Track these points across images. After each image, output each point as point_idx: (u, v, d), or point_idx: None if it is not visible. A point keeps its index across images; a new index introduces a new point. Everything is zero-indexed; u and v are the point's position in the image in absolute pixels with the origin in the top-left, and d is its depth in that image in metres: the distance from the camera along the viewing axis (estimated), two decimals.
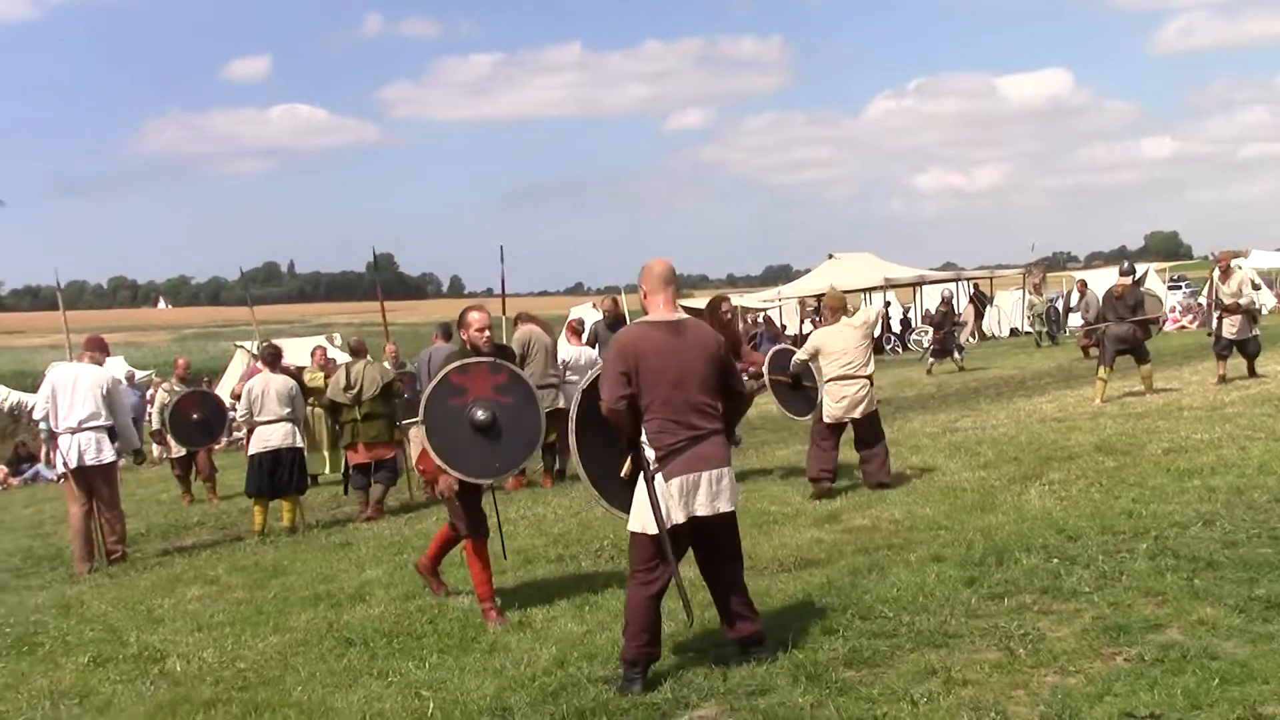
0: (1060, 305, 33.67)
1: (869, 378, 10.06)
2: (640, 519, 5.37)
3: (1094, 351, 23.77)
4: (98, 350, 10.75)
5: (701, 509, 5.35)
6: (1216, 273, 16.04)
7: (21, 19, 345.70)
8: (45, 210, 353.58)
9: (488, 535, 6.93)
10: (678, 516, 5.32)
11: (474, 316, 6.88)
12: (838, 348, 10.08)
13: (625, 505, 5.54)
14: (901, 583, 6.47)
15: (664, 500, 5.29)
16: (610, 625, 6.26)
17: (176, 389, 15.61)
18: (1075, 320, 27.87)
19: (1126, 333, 14.64)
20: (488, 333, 6.91)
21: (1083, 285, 27.21)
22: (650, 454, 5.35)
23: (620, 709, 4.98)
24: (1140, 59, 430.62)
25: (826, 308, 10.81)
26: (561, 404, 12.63)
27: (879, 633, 5.66)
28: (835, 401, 10.05)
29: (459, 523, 6.96)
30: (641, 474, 5.37)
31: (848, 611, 6.03)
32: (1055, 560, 6.68)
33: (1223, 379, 15.07)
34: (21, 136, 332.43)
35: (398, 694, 5.50)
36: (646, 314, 5.57)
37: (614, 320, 13.16)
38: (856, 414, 10.01)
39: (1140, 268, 34.90)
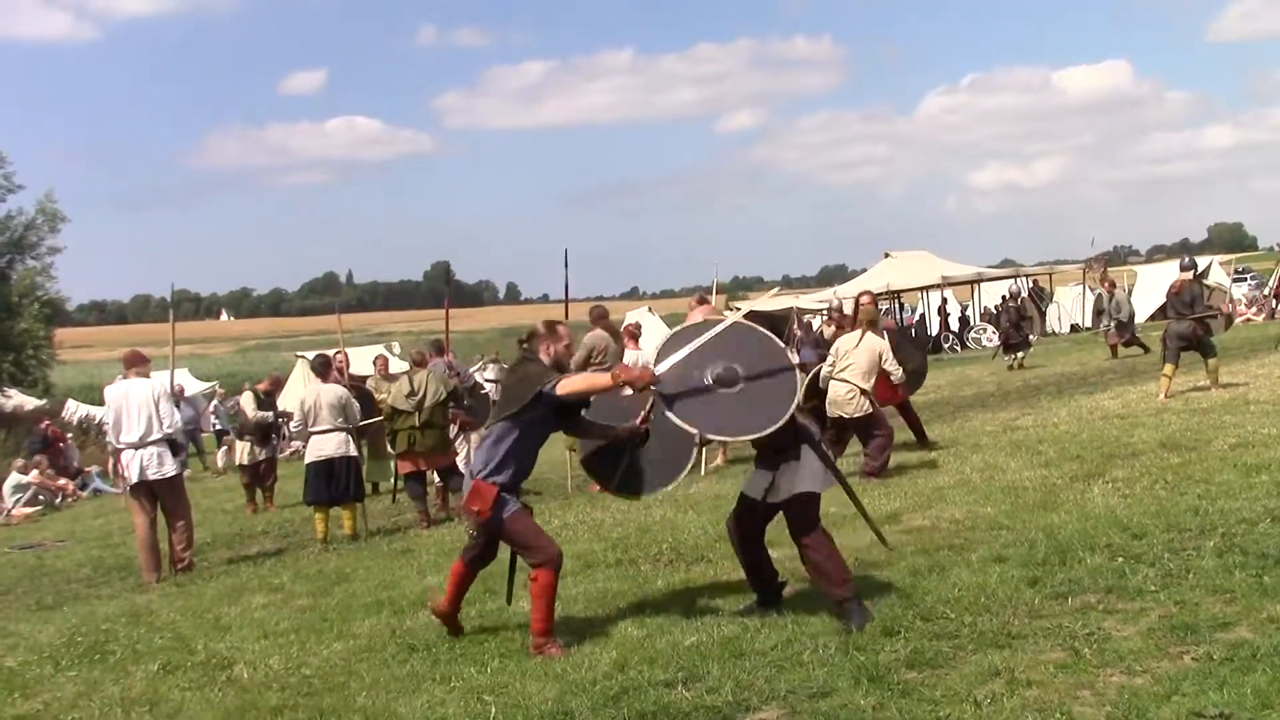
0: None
1: (861, 390, 11.00)
2: (821, 480, 6.21)
3: (1122, 350, 23.53)
4: (141, 364, 10.94)
5: None
6: None
7: (88, 39, 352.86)
8: (110, 225, 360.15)
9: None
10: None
11: (563, 330, 6.80)
12: (850, 352, 11.14)
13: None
14: (963, 583, 6.41)
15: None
16: (670, 629, 6.27)
17: (262, 397, 16.22)
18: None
19: (1186, 330, 14.39)
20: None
21: (1111, 285, 26.85)
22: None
23: (681, 711, 4.99)
24: (1200, 47, 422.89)
25: (862, 319, 11.74)
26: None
27: (941, 634, 5.62)
28: (830, 400, 11.19)
29: (540, 551, 6.32)
30: (809, 442, 6.26)
31: (909, 613, 5.99)
32: (1120, 559, 6.59)
33: None
34: (87, 153, 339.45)
35: (460, 699, 5.54)
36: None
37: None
38: (844, 412, 11.09)
39: (1204, 260, 34.44)
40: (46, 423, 25.91)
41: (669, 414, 6.29)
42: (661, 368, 6.32)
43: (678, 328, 6.79)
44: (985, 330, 35.27)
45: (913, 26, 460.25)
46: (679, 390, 6.27)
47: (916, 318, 41.88)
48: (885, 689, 4.95)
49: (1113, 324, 24.12)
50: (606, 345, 12.59)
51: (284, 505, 15.14)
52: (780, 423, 6.16)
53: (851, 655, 5.42)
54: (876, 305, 12.84)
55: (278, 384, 17.64)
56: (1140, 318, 30.75)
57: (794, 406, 6.25)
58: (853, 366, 11.04)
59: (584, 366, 12.69)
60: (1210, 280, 15.96)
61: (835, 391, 11.14)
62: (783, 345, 6.62)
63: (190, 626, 8.05)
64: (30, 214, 34.14)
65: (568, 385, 6.28)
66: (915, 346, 13.47)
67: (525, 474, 6.69)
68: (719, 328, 6.48)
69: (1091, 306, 30.48)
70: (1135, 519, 7.50)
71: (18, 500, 20.33)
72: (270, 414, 16.13)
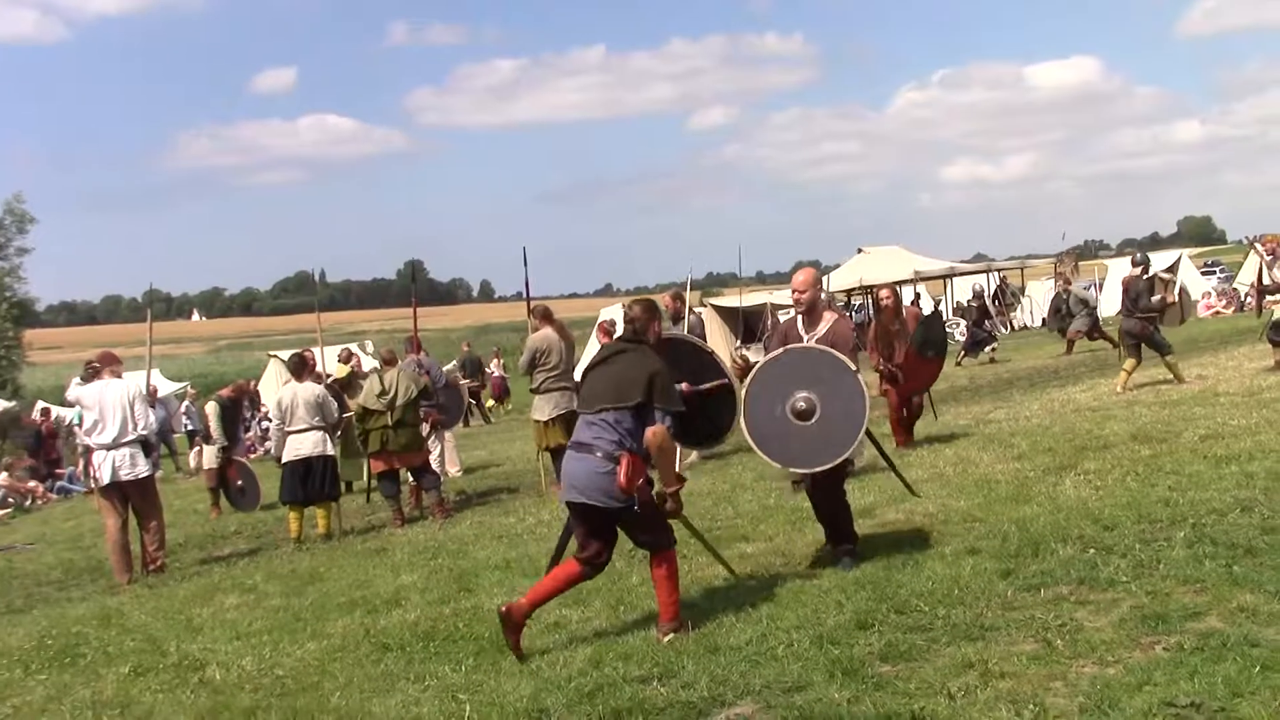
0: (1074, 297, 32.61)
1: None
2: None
3: (1079, 344, 23.66)
4: (114, 364, 10.85)
5: None
6: (1266, 258, 15.70)
7: (56, 38, 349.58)
8: (80, 226, 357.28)
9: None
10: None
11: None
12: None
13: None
14: (936, 576, 6.43)
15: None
16: (644, 625, 6.27)
17: (227, 405, 16.08)
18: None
19: (1133, 326, 14.55)
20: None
21: (1066, 282, 27.06)
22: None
23: (656, 707, 4.98)
24: (1169, 43, 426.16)
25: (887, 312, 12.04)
26: (575, 406, 12.63)
27: (914, 627, 5.64)
28: None
29: (667, 532, 6.25)
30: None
31: (883, 606, 6.00)
32: (1091, 550, 6.62)
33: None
34: (56, 153, 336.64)
35: (435, 698, 5.52)
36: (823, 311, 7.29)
37: (676, 316, 13.17)
38: None
39: (1174, 254, 34.73)
40: (41, 419, 25.75)
41: (752, 444, 6.99)
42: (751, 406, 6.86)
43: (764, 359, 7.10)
44: (958, 325, 35.42)
45: (884, 23, 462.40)
46: (762, 422, 6.83)
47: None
48: (859, 682, 4.96)
49: (1083, 318, 24.25)
50: (551, 345, 12.50)
51: (262, 506, 15.04)
52: (845, 456, 6.89)
53: (826, 649, 5.43)
54: (898, 297, 12.76)
55: (242, 391, 17.46)
56: (1110, 312, 30.99)
57: (859, 439, 6.97)
58: None
59: (529, 369, 12.63)
60: (1163, 274, 15.99)
61: None
62: (857, 378, 6.82)
63: (162, 628, 8.00)
64: None
65: (659, 448, 6.11)
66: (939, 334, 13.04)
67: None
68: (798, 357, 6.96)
69: (1050, 304, 30.62)
70: (1107, 511, 7.55)
71: None
72: (225, 442, 15.81)
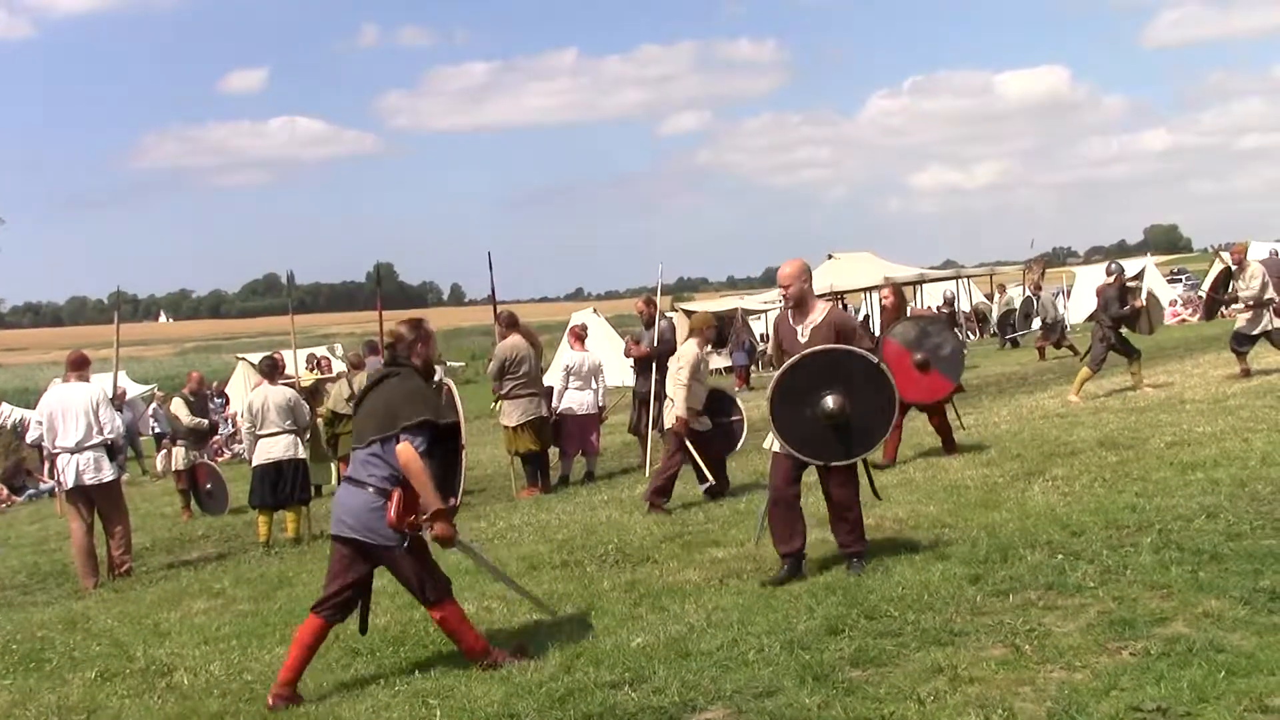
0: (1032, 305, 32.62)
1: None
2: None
3: (1050, 352, 23.89)
4: (83, 367, 10.73)
5: None
6: (1232, 267, 15.86)
7: (23, 37, 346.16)
8: (45, 226, 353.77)
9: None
10: None
11: (431, 329, 6.28)
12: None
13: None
14: (906, 581, 6.47)
15: None
16: (616, 630, 6.27)
17: (191, 400, 15.84)
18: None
19: (1102, 333, 14.70)
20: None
21: (1037, 288, 27.40)
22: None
23: (627, 713, 4.98)
24: (1135, 52, 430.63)
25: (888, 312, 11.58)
26: (544, 412, 12.65)
27: (885, 632, 5.67)
28: None
29: (435, 582, 5.94)
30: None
31: (853, 611, 6.03)
32: (1059, 556, 6.68)
33: (1246, 373, 14.75)
34: (22, 153, 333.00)
35: (405, 703, 5.50)
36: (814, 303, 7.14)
37: (649, 321, 13.13)
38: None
39: (1140, 261, 34.96)
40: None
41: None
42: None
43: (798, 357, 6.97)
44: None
45: (856, 29, 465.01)
46: (792, 426, 6.86)
47: (860, 318, 42.17)
48: (830, 687, 4.98)
49: (1049, 324, 24.47)
50: (520, 353, 12.51)
51: (232, 510, 14.93)
52: (867, 453, 7.05)
53: (796, 654, 5.44)
54: (900, 296, 11.98)
55: (201, 382, 17.31)
56: (1078, 318, 31.20)
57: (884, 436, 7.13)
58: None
59: (499, 376, 12.63)
60: (1131, 281, 16.10)
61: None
62: (881, 368, 6.92)
63: (129, 633, 7.92)
64: None
65: (405, 468, 5.66)
66: (953, 331, 12.35)
67: None
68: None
69: (1019, 310, 30.84)
70: (1075, 516, 7.61)
71: None
72: (204, 420, 15.87)
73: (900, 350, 10.65)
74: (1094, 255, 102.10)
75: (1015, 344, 29.95)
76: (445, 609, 5.92)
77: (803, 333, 7.02)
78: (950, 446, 11.28)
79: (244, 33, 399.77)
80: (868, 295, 40.50)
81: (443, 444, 5.92)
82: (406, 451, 5.64)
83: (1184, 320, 34.86)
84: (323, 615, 5.91)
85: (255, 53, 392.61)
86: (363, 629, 6.17)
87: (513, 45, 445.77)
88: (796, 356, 6.94)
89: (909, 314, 11.38)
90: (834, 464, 6.94)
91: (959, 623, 5.68)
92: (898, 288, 11.87)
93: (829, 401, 6.78)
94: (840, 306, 10.74)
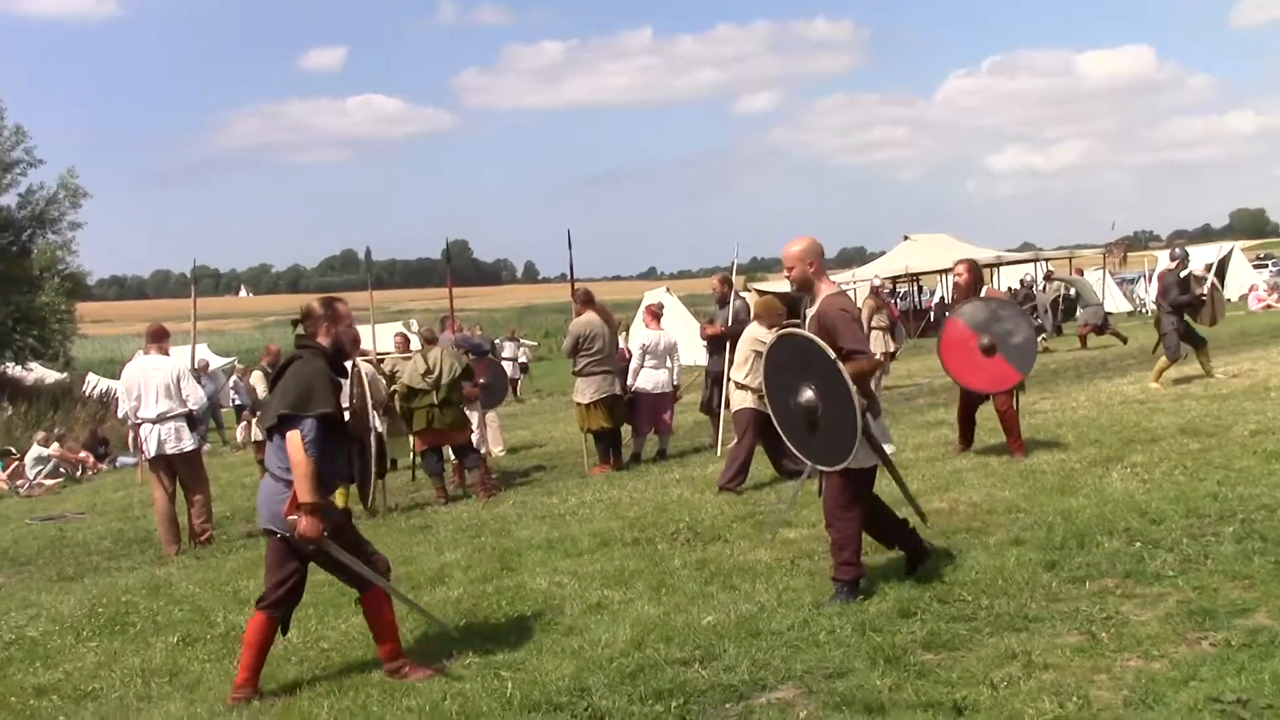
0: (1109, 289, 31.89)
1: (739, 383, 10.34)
2: (865, 455, 6.03)
3: (1092, 340, 23.44)
4: (162, 340, 10.98)
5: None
6: None
7: (108, 16, 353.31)
8: (131, 202, 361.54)
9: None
10: (888, 448, 6.35)
11: (343, 309, 5.99)
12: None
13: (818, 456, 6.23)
14: (980, 566, 6.41)
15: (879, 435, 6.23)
16: (687, 607, 6.29)
17: (269, 372, 16.04)
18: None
19: (1167, 322, 14.36)
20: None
21: (1079, 272, 26.91)
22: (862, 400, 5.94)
23: (697, 689, 5.00)
24: (1223, 33, 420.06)
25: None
26: (618, 390, 12.69)
27: (958, 616, 5.63)
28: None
29: (354, 573, 5.81)
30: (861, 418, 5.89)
31: (926, 595, 5.99)
32: (1138, 544, 6.58)
33: None
34: (108, 131, 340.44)
35: (477, 674, 5.57)
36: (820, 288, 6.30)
37: (723, 300, 13.16)
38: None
39: (1226, 246, 34.21)
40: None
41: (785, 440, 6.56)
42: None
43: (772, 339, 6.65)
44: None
45: (934, 9, 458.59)
46: (782, 412, 6.38)
47: (935, 300, 41.76)
48: (901, 670, 4.96)
49: (1093, 309, 24.10)
50: (594, 329, 12.55)
51: None
52: (848, 461, 6.00)
53: (868, 636, 5.43)
54: (976, 274, 10.64)
55: (278, 354, 17.51)
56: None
57: (855, 446, 5.92)
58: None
59: (573, 353, 12.70)
60: (1199, 271, 15.70)
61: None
62: (839, 370, 5.93)
63: (209, 599, 8.10)
64: (52, 189, 34.30)
65: (292, 461, 5.43)
66: (1027, 318, 11.12)
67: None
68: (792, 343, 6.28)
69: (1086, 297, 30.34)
70: (1154, 504, 7.48)
71: (39, 472, 20.48)
72: None
73: (965, 332, 10.03)
74: (1177, 239, 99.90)
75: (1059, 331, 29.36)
76: (371, 604, 5.76)
77: (809, 322, 6.34)
78: (1017, 443, 10.13)
79: (323, 11, 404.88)
80: (943, 277, 40.13)
81: (339, 432, 5.67)
82: (291, 441, 5.43)
83: (1269, 306, 33.99)
84: (263, 612, 5.73)
85: (334, 31, 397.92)
86: (283, 630, 5.90)
87: (588, 24, 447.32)
88: (771, 339, 6.52)
89: (983, 294, 10.41)
90: (822, 470, 6.32)
91: (1034, 609, 5.62)
92: (974, 264, 10.76)
93: (805, 394, 6.11)
94: (845, 292, 9.66)
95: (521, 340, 35.63)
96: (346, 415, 6.00)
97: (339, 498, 11.59)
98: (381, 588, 5.81)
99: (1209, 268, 16.69)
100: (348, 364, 6.07)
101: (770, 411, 6.60)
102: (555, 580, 7.30)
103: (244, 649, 5.78)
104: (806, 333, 6.16)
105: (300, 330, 5.84)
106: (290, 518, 5.45)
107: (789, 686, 4.98)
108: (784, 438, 6.52)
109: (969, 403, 10.67)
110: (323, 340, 5.75)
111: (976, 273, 10.68)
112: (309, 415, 5.45)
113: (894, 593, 6.08)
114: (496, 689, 5.30)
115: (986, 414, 10.90)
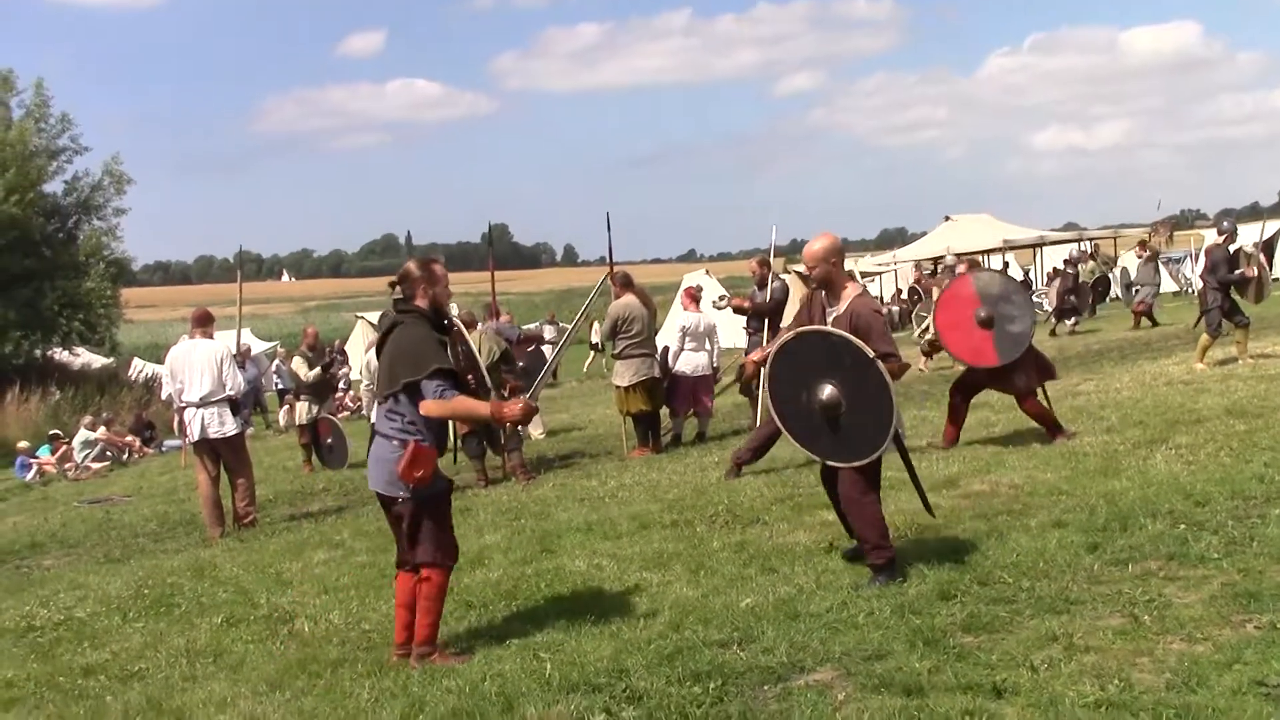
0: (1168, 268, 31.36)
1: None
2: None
3: (1146, 321, 23.10)
4: (207, 324, 11.08)
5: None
6: None
7: (148, 5, 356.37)
8: (174, 188, 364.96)
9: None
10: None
11: (440, 270, 5.99)
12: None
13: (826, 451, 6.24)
14: (1021, 548, 6.36)
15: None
16: (725, 590, 6.29)
17: (310, 355, 16.16)
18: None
19: (1211, 298, 14.10)
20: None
21: (1140, 250, 26.50)
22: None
23: (735, 671, 5.00)
24: (1271, 7, 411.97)
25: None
26: (656, 373, 12.69)
27: (998, 598, 5.59)
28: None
29: (441, 548, 5.76)
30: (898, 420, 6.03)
31: (965, 577, 5.96)
32: (1182, 526, 6.51)
33: None
34: (151, 117, 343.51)
35: (516, 655, 5.59)
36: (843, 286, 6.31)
37: (762, 281, 13.10)
38: None
39: (1274, 224, 33.60)
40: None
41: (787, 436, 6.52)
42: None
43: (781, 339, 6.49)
44: (1046, 294, 34.78)
45: None
46: (788, 406, 6.31)
47: None
48: (941, 652, 4.94)
49: (1148, 288, 23.75)
50: (633, 312, 12.55)
51: (351, 465, 15.28)
52: (874, 457, 6.07)
53: (907, 618, 5.40)
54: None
55: (316, 337, 17.54)
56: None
57: (885, 444, 6.00)
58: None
59: (612, 336, 12.72)
60: (1248, 248, 15.39)
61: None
62: (880, 370, 5.94)
63: (253, 581, 8.19)
64: (97, 176, 34.58)
65: (443, 408, 5.57)
66: (1033, 313, 11.07)
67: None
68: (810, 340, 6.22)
69: (1119, 278, 29.93)
70: (1199, 486, 7.40)
71: (87, 456, 20.77)
72: (321, 371, 16.16)
73: (971, 294, 10.10)
74: (1224, 217, 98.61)
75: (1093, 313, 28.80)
76: (433, 580, 5.69)
77: (831, 319, 6.29)
78: (1054, 430, 9.95)
79: None
80: (986, 258, 39.80)
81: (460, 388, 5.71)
82: (428, 408, 5.52)
83: None
84: (405, 571, 5.82)
85: (373, 15, 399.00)
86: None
87: (626, 5, 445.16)
88: (786, 336, 6.38)
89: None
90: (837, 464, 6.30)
91: (1075, 591, 5.58)
92: (978, 263, 11.04)
93: (825, 391, 6.06)
94: (870, 293, 9.49)
95: (561, 324, 35.66)
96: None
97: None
98: (442, 571, 5.71)
99: (1258, 246, 16.37)
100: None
101: (771, 405, 6.55)
102: (594, 563, 7.32)
103: (400, 610, 5.78)
104: (842, 332, 6.09)
105: (397, 294, 5.83)
106: (417, 474, 5.49)
107: (827, 669, 4.97)
108: (785, 431, 6.48)
109: (967, 386, 10.59)
110: (420, 302, 5.76)
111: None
112: (428, 377, 5.49)
113: (933, 575, 6.05)
114: (535, 670, 5.32)
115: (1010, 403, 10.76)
